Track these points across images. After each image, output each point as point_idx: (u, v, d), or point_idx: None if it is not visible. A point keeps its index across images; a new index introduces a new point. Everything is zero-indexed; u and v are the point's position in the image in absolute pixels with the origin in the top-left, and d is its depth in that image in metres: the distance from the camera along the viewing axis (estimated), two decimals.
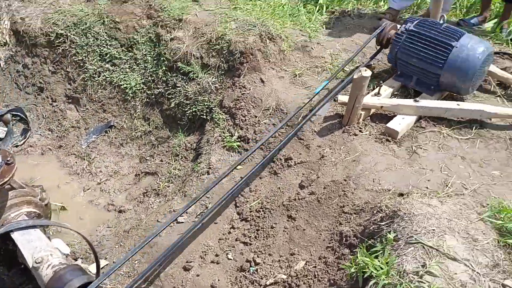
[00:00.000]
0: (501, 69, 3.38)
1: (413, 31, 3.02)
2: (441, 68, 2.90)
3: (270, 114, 3.11)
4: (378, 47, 3.38)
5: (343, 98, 2.87)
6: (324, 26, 3.99)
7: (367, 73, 2.65)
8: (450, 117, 2.92)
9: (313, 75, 3.33)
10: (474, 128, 2.89)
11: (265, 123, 3.08)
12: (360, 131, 2.87)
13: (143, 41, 3.71)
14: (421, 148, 2.75)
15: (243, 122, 3.12)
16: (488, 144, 2.80)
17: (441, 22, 3.00)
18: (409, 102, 2.89)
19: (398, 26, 3.27)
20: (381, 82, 3.06)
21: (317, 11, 4.25)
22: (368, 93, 3.10)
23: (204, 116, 3.34)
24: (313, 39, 3.67)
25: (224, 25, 3.50)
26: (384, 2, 4.36)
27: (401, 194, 2.40)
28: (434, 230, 1.97)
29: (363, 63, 3.43)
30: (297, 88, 3.24)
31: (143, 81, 3.69)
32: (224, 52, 3.38)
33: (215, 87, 3.36)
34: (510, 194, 2.46)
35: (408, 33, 3.03)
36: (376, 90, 3.03)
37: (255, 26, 3.42)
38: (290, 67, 3.41)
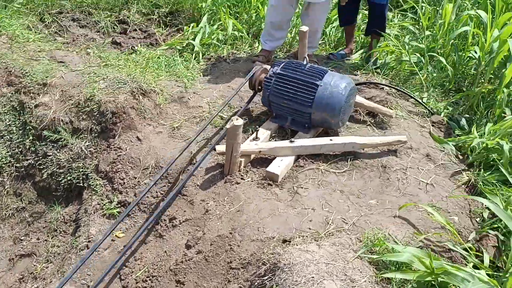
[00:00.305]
0: (368, 98, 3.60)
1: (281, 74, 3.10)
2: (310, 107, 3.00)
3: (150, 173, 2.98)
4: (251, 93, 3.42)
5: (221, 148, 2.84)
6: (201, 73, 3.99)
7: (239, 122, 2.65)
8: (326, 153, 3.02)
9: (192, 126, 3.27)
10: (349, 160, 3.00)
11: (145, 184, 2.94)
12: (242, 178, 2.84)
13: (5, 111, 3.41)
14: (302, 187, 2.78)
15: (122, 185, 2.95)
16: (364, 174, 2.91)
17: (305, 63, 3.13)
18: (285, 143, 2.93)
19: (270, 67, 3.36)
20: (257, 126, 3.09)
21: (194, 59, 4.25)
22: (248, 137, 3.11)
23: (81, 184, 3.11)
24: (190, 88, 3.64)
25: (92, 86, 3.33)
26: (258, 44, 4.49)
27: (284, 241, 2.38)
28: (313, 277, 1.96)
29: (241, 107, 3.45)
30: (176, 141, 3.16)
31: (9, 153, 3.37)
32: (95, 114, 3.21)
33: (90, 151, 3.16)
34: (387, 222, 2.55)
35: (276, 76, 3.11)
36: (254, 135, 3.04)
37: (125, 84, 3.31)
38: (168, 121, 3.32)
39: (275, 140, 3.13)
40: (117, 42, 4.64)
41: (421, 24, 4.45)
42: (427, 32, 4.31)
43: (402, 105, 3.60)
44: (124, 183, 2.95)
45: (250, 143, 2.99)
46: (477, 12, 3.77)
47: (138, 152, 3.06)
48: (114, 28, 4.92)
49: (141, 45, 4.56)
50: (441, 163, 3.06)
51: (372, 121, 3.39)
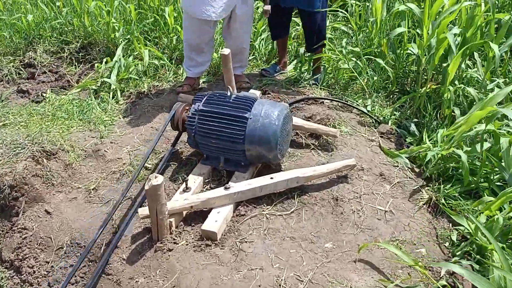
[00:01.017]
0: (308, 117, 3.25)
1: (204, 111, 2.69)
2: (242, 143, 2.60)
3: (65, 254, 2.48)
4: (177, 132, 2.99)
5: (144, 211, 2.39)
6: (121, 115, 3.51)
7: (158, 180, 2.21)
8: (269, 193, 2.62)
9: (112, 185, 2.80)
10: (296, 196, 2.63)
11: (61, 268, 2.44)
12: (175, 243, 2.40)
13: None
14: (246, 241, 2.38)
15: (32, 275, 2.43)
16: (314, 212, 2.54)
17: (229, 94, 2.73)
18: (220, 192, 2.52)
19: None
20: (185, 175, 2.66)
21: (113, 98, 3.76)
22: (179, 187, 2.68)
23: None
24: (107, 138, 3.15)
25: None
26: (182, 70, 4.04)
27: None
28: None
29: (168, 150, 3.00)
30: (94, 206, 2.67)
31: None
32: None
33: None
34: (347, 270, 2.19)
35: (199, 113, 2.69)
36: (184, 186, 2.61)
37: (24, 148, 2.78)
38: (83, 182, 2.83)
39: (210, 186, 2.72)
40: (24, 90, 4.08)
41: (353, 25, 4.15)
42: (360, 35, 4.02)
43: (346, 119, 3.28)
44: (34, 271, 2.44)
45: (179, 196, 2.55)
46: (407, 6, 3.49)
47: (48, 230, 2.55)
48: (19, 73, 4.35)
49: (51, 90, 4.02)
50: (397, 182, 2.75)
51: (316, 144, 3.04)
